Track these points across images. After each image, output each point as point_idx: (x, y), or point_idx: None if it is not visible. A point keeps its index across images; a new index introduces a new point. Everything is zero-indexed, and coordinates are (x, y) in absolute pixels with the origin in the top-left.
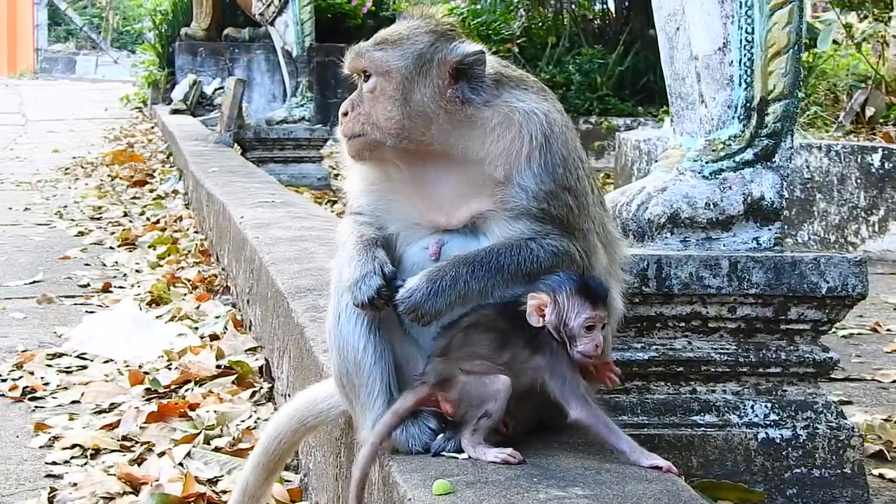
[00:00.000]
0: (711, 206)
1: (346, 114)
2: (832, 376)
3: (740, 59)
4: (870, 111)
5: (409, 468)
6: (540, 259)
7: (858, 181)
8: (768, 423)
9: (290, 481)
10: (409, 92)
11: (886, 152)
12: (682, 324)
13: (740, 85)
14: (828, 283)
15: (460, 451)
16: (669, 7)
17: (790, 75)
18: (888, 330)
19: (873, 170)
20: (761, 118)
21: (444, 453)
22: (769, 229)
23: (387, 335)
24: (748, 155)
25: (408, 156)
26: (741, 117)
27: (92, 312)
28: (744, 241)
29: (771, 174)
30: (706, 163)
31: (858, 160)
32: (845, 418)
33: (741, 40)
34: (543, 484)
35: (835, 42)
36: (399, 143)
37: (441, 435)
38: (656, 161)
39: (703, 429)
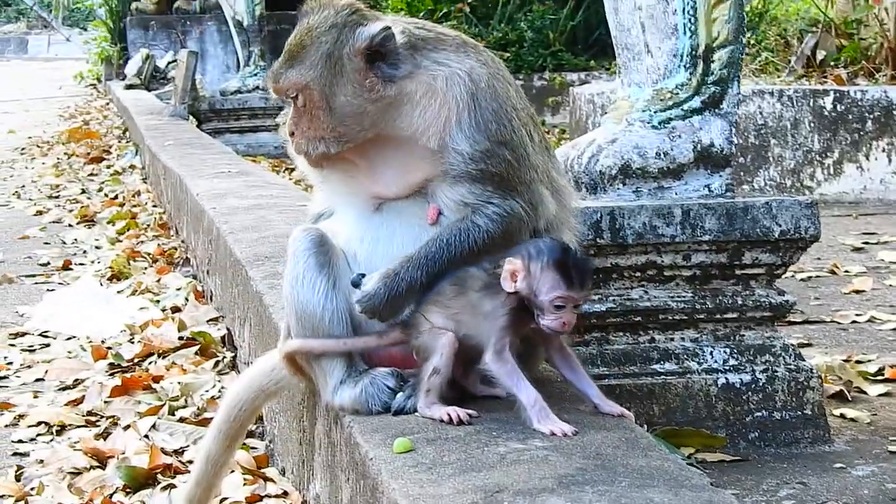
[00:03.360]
0: (662, 156)
1: (292, 133)
2: (792, 319)
3: (683, 8)
4: (820, 55)
5: (369, 428)
6: (490, 232)
7: (812, 125)
8: (727, 368)
9: (255, 448)
10: (332, 97)
11: (838, 95)
12: (638, 273)
13: (685, 33)
14: (780, 226)
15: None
16: None
17: (734, 21)
18: (846, 271)
19: (826, 113)
20: (707, 65)
21: (405, 412)
22: (720, 176)
23: (345, 298)
24: (696, 103)
25: (358, 149)
26: (687, 65)
27: (52, 290)
28: (695, 189)
29: (719, 121)
30: (655, 112)
31: (811, 104)
32: (804, 360)
33: None
34: (503, 437)
35: None
36: (344, 147)
37: (400, 394)
38: (606, 113)
39: (663, 377)
